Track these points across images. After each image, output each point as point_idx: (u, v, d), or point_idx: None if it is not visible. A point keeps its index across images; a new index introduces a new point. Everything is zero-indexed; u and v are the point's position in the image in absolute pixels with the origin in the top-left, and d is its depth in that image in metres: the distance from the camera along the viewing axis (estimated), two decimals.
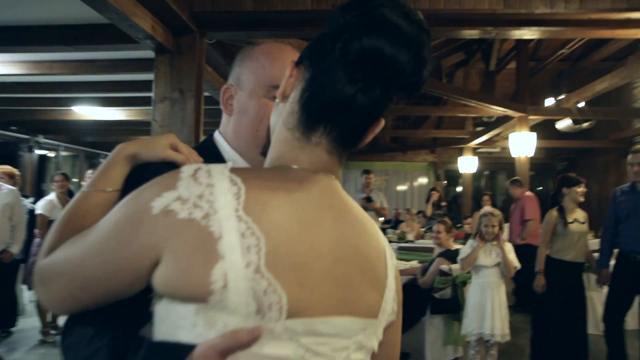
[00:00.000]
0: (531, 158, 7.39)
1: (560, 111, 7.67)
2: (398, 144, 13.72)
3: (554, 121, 8.49)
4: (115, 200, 0.79)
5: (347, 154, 0.77)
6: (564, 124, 7.88)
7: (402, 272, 4.45)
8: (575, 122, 7.09)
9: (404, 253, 5.27)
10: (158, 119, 4.03)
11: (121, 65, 4.82)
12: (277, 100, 0.80)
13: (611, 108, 8.57)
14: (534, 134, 7.41)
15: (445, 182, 14.40)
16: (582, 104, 6.98)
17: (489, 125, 9.90)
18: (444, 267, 4.31)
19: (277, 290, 0.64)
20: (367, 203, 6.09)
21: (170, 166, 0.82)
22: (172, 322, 0.66)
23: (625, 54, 9.83)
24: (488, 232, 3.82)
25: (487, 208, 3.98)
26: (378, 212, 6.44)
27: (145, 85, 5.01)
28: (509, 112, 7.41)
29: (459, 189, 13.69)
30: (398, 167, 14.27)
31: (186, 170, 0.69)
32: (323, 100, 0.72)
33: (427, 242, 6.95)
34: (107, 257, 0.68)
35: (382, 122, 0.77)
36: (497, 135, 10.10)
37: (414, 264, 4.94)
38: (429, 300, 4.34)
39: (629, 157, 3.99)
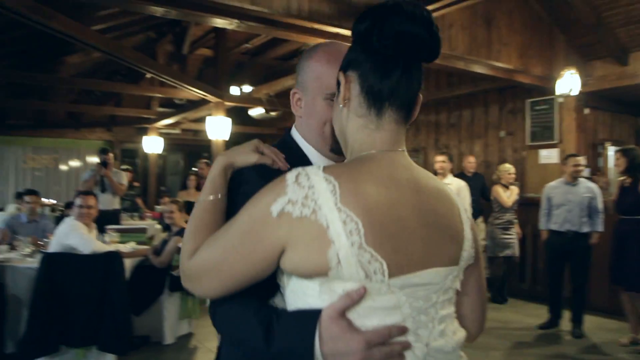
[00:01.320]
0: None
1: (253, 100, 8.58)
2: (72, 120, 12.48)
3: (243, 108, 9.41)
4: (224, 203, 1.03)
5: (407, 127, 0.99)
6: (256, 111, 8.84)
7: (131, 255, 4.35)
8: (266, 110, 8.07)
9: (123, 236, 5.05)
10: None
11: None
12: (339, 105, 0.97)
13: (287, 100, 10.05)
14: (229, 119, 8.08)
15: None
16: (270, 96, 8.01)
17: (181, 107, 10.16)
18: (182, 244, 4.42)
19: (378, 259, 0.83)
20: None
21: (261, 167, 1.03)
22: (302, 293, 0.88)
23: (291, 57, 11.67)
24: None
25: None
26: (115, 190, 6.18)
27: None
28: (208, 97, 7.85)
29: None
30: (70, 145, 12.97)
31: (290, 177, 0.87)
32: (381, 85, 0.93)
33: (138, 223, 6.79)
34: (246, 254, 0.88)
35: (421, 97, 1.01)
36: (184, 117, 10.49)
37: (134, 245, 4.84)
38: (167, 278, 4.39)
39: (570, 160, 4.92)
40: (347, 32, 4.59)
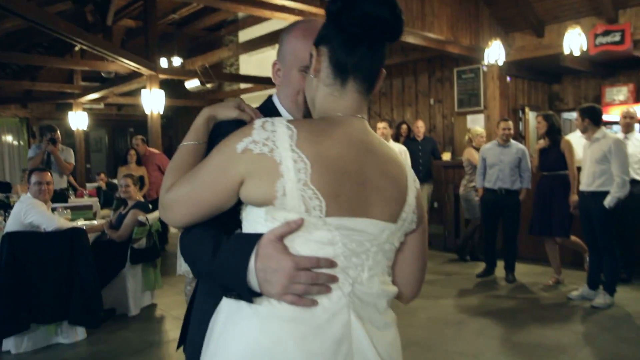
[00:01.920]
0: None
1: (187, 72, 8.43)
2: None
3: (173, 80, 9.20)
4: (203, 149, 1.16)
5: (368, 98, 1.12)
6: (192, 84, 8.68)
7: (90, 230, 4.30)
8: (201, 82, 7.98)
9: (72, 213, 4.93)
10: None
11: None
12: (311, 75, 1.12)
13: (219, 72, 9.96)
14: (163, 92, 7.91)
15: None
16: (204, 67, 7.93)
17: (107, 81, 9.73)
18: (141, 217, 4.43)
19: (318, 197, 0.94)
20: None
21: (239, 123, 1.14)
22: (253, 220, 1.02)
23: (218, 28, 11.48)
24: None
25: None
26: (62, 168, 6.00)
27: None
28: (142, 69, 7.62)
29: None
30: None
31: (257, 122, 1.01)
32: (347, 59, 1.04)
33: (79, 201, 6.57)
34: (212, 185, 1.01)
35: (384, 71, 1.16)
36: (112, 92, 10.07)
37: (83, 222, 4.76)
38: (127, 251, 4.39)
39: (501, 123, 5.32)
40: (291, 4, 4.71)
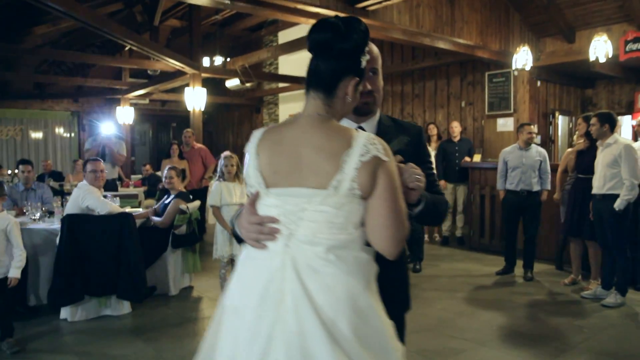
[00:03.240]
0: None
1: (228, 71, 8.89)
2: (38, 91, 12.37)
3: (214, 79, 9.68)
4: None
5: (329, 100, 1.39)
6: (232, 83, 9.15)
7: (137, 217, 4.73)
8: (241, 82, 8.41)
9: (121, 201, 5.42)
10: None
11: None
12: None
13: (258, 72, 10.41)
14: (205, 90, 8.39)
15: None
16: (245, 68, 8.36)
17: (153, 78, 10.31)
18: (183, 206, 4.86)
19: (262, 176, 1.37)
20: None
21: None
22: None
23: (258, 28, 11.93)
24: (229, 172, 4.54)
25: (226, 152, 4.66)
26: (114, 159, 6.52)
27: None
28: (186, 68, 8.11)
29: None
30: (36, 116, 12.88)
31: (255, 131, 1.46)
32: (307, 73, 1.41)
33: (126, 191, 7.11)
34: None
35: (355, 79, 1.39)
36: (156, 88, 10.66)
37: (130, 209, 5.22)
38: (169, 237, 4.83)
39: (525, 127, 5.46)
40: (326, 12, 5.04)
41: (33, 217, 4.68)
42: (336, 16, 1.39)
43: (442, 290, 5.13)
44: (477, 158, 7.12)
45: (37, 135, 12.95)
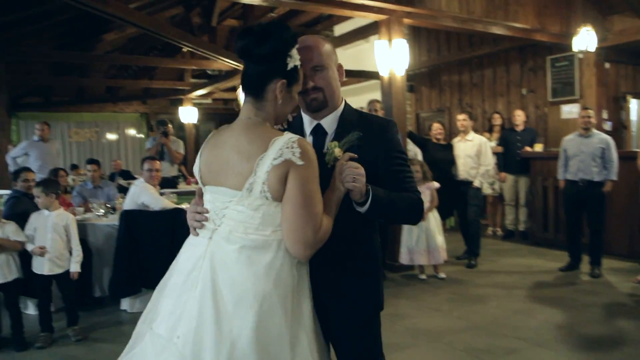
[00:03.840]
0: None
1: None
2: (110, 95, 13.12)
3: None
4: None
5: (260, 104, 1.49)
6: None
7: None
8: None
9: (179, 198, 5.64)
10: None
11: None
12: None
13: None
14: None
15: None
16: None
17: (214, 78, 10.62)
18: None
19: (199, 175, 1.54)
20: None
21: None
22: None
23: (314, 23, 11.98)
24: None
25: None
26: (173, 157, 6.80)
27: None
28: (242, 67, 8.27)
29: None
30: (109, 118, 13.67)
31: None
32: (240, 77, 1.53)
33: (187, 188, 7.40)
34: None
35: (282, 81, 1.47)
36: (217, 87, 10.98)
37: (187, 205, 5.41)
38: None
39: (581, 112, 5.33)
40: (370, 3, 4.97)
41: (98, 214, 4.98)
42: (259, 23, 1.52)
43: (498, 287, 4.94)
44: (538, 147, 6.77)
45: (110, 136, 13.74)
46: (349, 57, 10.84)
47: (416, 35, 9.81)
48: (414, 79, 10.02)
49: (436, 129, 6.04)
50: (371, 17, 5.50)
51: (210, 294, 1.35)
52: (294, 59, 1.47)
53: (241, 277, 1.37)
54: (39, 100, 12.00)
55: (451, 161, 5.84)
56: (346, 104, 1.73)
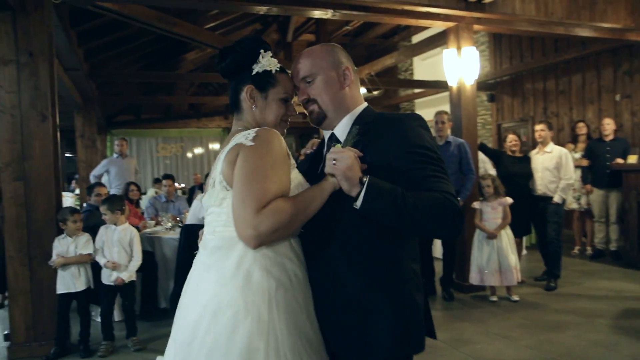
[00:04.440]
0: None
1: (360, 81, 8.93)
2: (193, 111, 13.79)
3: None
4: None
5: (240, 115, 1.54)
6: (361, 91, 9.18)
7: None
8: (368, 90, 8.38)
9: None
10: (5, 84, 3.66)
11: None
12: None
13: (392, 79, 10.31)
14: None
15: None
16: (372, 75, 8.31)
17: None
18: None
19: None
20: None
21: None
22: None
23: (392, 34, 11.83)
24: None
25: None
26: None
27: None
28: None
29: None
30: (193, 134, 14.35)
31: None
32: None
33: None
34: None
35: (249, 87, 1.49)
36: (294, 101, 11.11)
37: None
38: None
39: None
40: (436, 10, 4.76)
41: (166, 227, 5.16)
42: (235, 42, 1.55)
43: (578, 313, 4.46)
44: (632, 159, 6.12)
45: (195, 151, 14.41)
46: (427, 66, 10.58)
47: (497, 42, 9.35)
48: (495, 88, 9.54)
49: (511, 140, 5.66)
50: (438, 26, 5.28)
51: (187, 296, 1.45)
52: (262, 65, 1.48)
53: (204, 284, 1.37)
54: (130, 118, 12.87)
55: (528, 175, 5.43)
56: (366, 108, 1.57)
